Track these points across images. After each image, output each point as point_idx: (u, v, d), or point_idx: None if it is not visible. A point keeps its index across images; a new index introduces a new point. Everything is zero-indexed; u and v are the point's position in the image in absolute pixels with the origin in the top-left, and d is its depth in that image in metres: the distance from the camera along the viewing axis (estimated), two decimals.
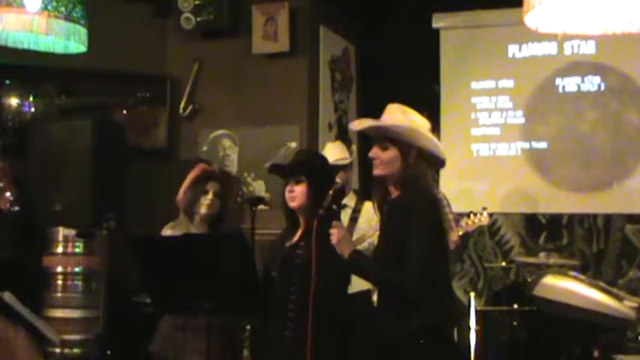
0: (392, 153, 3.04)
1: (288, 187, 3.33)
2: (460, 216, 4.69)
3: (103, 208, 4.20)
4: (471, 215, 4.55)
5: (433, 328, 3.02)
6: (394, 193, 3.11)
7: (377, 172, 3.09)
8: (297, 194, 3.31)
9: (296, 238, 3.37)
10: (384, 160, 3.05)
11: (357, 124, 3.27)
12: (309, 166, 3.37)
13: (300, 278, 3.20)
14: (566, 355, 4.83)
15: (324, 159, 3.60)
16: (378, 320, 3.07)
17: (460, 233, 4.45)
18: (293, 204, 3.33)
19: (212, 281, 3.08)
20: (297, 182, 3.32)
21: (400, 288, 2.95)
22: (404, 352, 2.96)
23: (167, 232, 3.99)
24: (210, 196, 3.93)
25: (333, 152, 4.46)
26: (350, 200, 4.41)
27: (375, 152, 3.07)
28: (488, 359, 5.44)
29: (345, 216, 4.23)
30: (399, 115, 3.09)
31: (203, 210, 3.93)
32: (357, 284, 3.44)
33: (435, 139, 3.10)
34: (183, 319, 3.80)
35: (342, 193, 3.41)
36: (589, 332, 4.62)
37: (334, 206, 3.13)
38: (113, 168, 4.60)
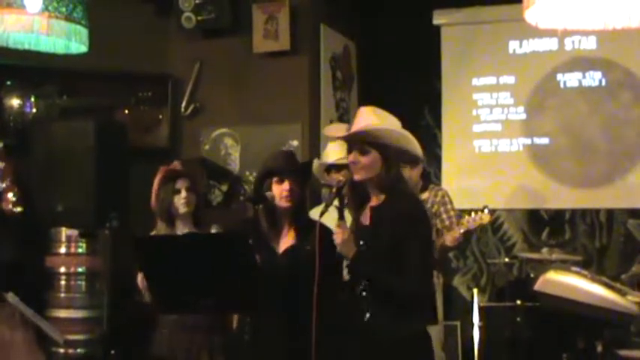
0: (372, 156, 3.01)
1: (282, 187, 3.29)
2: (462, 212, 4.69)
3: (106, 208, 4.20)
4: (472, 213, 4.56)
5: (424, 333, 3.03)
6: (377, 198, 3.08)
7: (358, 176, 3.05)
8: (294, 194, 3.29)
9: (291, 240, 3.34)
10: (366, 164, 3.02)
11: (335, 132, 3.25)
12: (298, 166, 3.41)
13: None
14: (569, 350, 4.83)
15: None
16: (368, 323, 3.02)
17: (462, 231, 4.45)
18: (289, 204, 3.31)
19: (215, 279, 3.09)
20: (291, 181, 3.30)
21: (403, 292, 2.94)
22: (397, 356, 2.95)
23: None
24: (183, 194, 3.88)
25: (335, 151, 4.44)
26: None
27: (355, 157, 3.03)
28: (492, 355, 5.44)
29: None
30: (373, 118, 3.06)
31: (181, 209, 3.88)
32: None
33: (411, 136, 3.09)
34: (192, 319, 3.80)
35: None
36: (592, 327, 4.62)
37: (337, 204, 3.11)
38: (115, 168, 4.59)
